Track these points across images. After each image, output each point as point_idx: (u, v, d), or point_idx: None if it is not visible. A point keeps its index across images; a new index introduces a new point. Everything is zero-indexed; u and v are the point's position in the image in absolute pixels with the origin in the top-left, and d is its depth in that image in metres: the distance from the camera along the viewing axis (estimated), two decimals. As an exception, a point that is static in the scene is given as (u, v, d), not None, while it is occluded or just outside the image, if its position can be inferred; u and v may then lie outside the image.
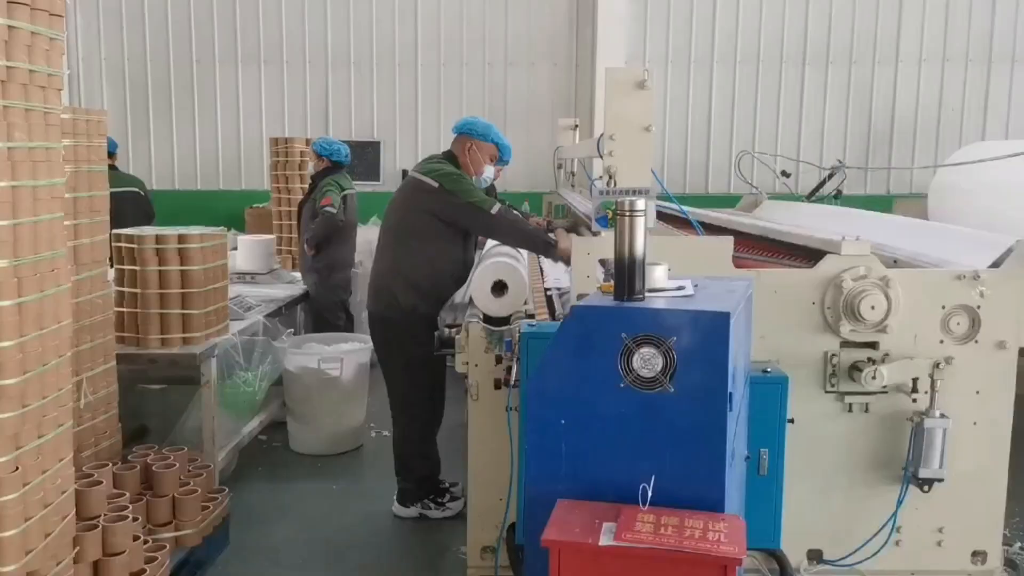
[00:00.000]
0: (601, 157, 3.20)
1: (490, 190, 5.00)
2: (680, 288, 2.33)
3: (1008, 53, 8.91)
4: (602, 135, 3.19)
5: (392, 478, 3.95)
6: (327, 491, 4.17)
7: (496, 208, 3.70)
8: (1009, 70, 8.92)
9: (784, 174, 6.94)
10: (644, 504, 2.03)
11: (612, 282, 2.29)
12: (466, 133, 3.92)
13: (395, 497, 3.93)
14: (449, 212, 3.70)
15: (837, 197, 6.46)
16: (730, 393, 2.07)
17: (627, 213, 2.20)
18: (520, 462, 2.98)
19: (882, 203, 7.64)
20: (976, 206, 5.77)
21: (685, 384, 2.06)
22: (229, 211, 8.57)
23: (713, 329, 2.05)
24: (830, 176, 6.58)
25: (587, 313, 2.18)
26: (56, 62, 2.48)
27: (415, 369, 3.77)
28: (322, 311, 5.57)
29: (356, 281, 5.90)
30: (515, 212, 4.07)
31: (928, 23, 8.90)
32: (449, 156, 3.93)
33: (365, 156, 8.93)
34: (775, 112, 9.03)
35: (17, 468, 2.20)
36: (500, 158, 3.97)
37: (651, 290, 2.27)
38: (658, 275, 2.33)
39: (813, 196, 6.56)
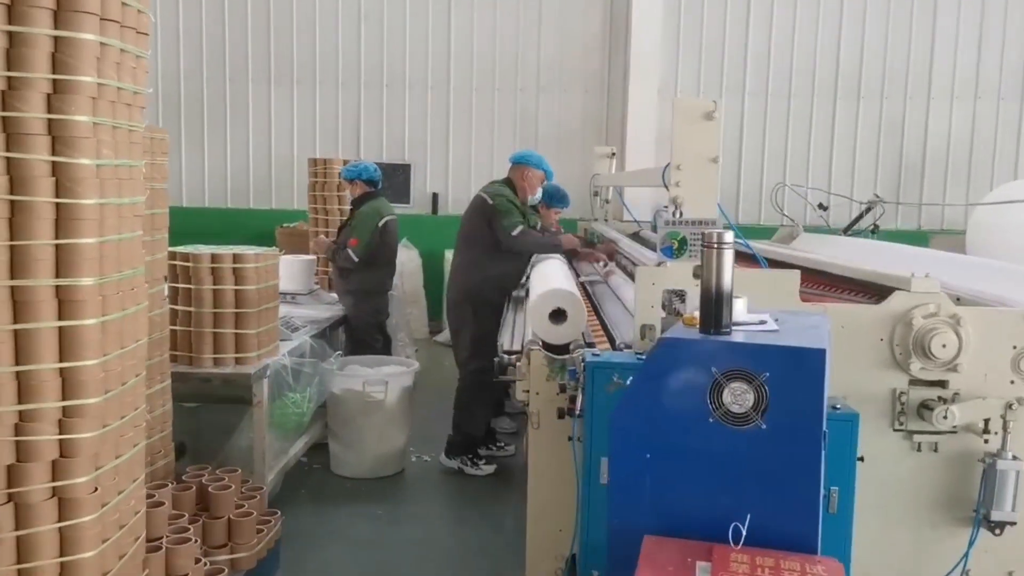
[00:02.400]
0: (667, 187, 3.19)
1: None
2: (762, 322, 2.31)
3: (1041, 91, 8.93)
4: (667, 165, 3.19)
5: (432, 503, 3.96)
6: (372, 515, 4.14)
7: (517, 230, 4.80)
8: (1042, 108, 8.93)
9: (821, 207, 6.92)
10: (736, 543, 1.99)
11: (695, 314, 2.28)
12: (523, 163, 5.10)
13: (444, 450, 4.82)
14: (492, 224, 4.83)
15: (874, 232, 6.44)
16: (824, 431, 2.04)
17: (715, 245, 2.19)
18: (583, 493, 2.95)
19: (914, 238, 7.62)
20: (1017, 244, 5.75)
21: (777, 421, 2.03)
22: (259, 230, 8.60)
23: (808, 366, 2.03)
24: (867, 210, 6.56)
25: (676, 346, 2.16)
26: (142, 80, 2.50)
27: (480, 338, 4.67)
28: (359, 333, 5.55)
29: (394, 303, 5.88)
30: (533, 232, 5.08)
31: (960, 59, 8.93)
32: (507, 182, 5.07)
33: (395, 178, 8.96)
34: (806, 144, 9.04)
35: (96, 489, 2.18)
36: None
37: (734, 324, 2.25)
38: (739, 308, 2.31)
39: (850, 230, 6.54)
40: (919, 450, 2.95)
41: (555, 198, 5.59)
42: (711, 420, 2.07)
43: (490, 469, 4.78)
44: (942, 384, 2.93)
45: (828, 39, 8.97)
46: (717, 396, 2.07)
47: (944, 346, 2.88)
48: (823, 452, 2.05)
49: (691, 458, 2.10)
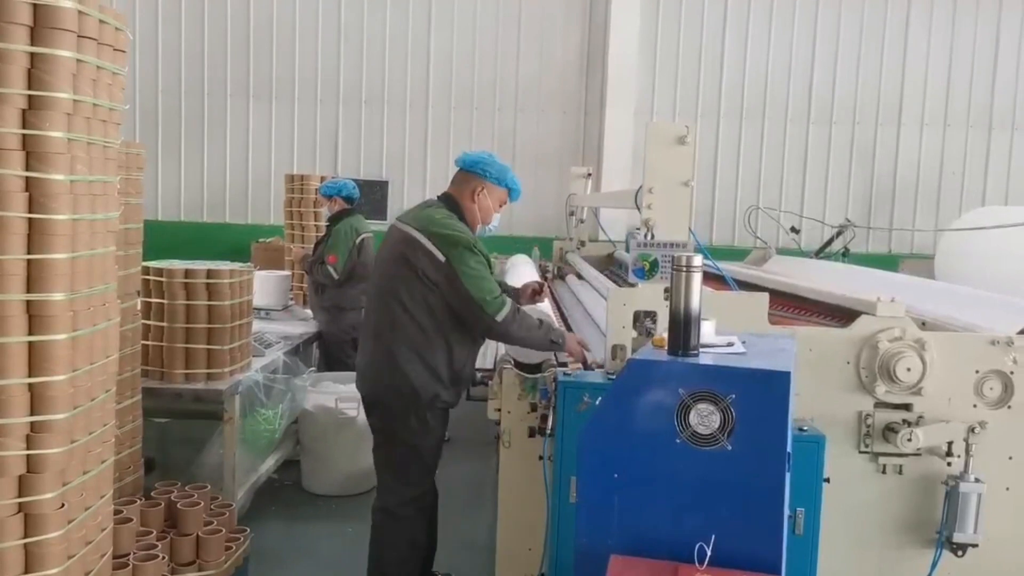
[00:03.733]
0: (639, 209, 3.24)
1: None
2: (729, 344, 2.35)
3: (1008, 120, 9.14)
4: (640, 188, 3.24)
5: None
6: (342, 532, 4.12)
7: (504, 314, 3.10)
8: (1009, 137, 9.14)
9: (793, 230, 7.03)
10: (701, 563, 2.02)
11: (663, 336, 2.31)
12: (479, 174, 3.29)
13: None
14: (451, 296, 3.10)
15: (845, 255, 6.54)
16: (789, 453, 2.07)
17: (684, 268, 2.22)
18: (553, 512, 2.97)
19: (884, 262, 7.74)
20: (984, 271, 5.86)
21: (743, 442, 2.06)
22: (235, 244, 8.57)
23: (773, 388, 2.07)
24: (838, 234, 6.67)
25: (644, 367, 2.19)
26: (118, 97, 2.51)
27: (423, 463, 3.25)
28: (333, 349, 5.55)
29: (368, 320, 5.88)
30: (526, 315, 3.25)
31: (930, 88, 9.12)
32: (449, 200, 3.31)
33: (373, 194, 8.97)
34: (780, 168, 9.18)
35: (63, 505, 2.16)
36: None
37: (702, 346, 2.28)
38: (707, 331, 2.35)
39: (821, 253, 6.64)
40: (884, 472, 3.00)
41: None
42: (678, 441, 2.10)
43: None
44: (907, 407, 2.98)
45: (801, 64, 9.12)
46: (684, 417, 2.10)
47: (909, 369, 2.94)
48: (787, 473, 2.08)
49: (658, 478, 2.12)
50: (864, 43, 9.07)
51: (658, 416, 2.11)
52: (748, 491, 2.06)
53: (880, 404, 2.99)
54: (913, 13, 9.06)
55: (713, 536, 2.03)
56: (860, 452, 3.01)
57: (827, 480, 2.83)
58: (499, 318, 3.10)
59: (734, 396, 2.06)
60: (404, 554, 3.25)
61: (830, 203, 9.08)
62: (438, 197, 3.40)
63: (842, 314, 3.36)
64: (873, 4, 9.06)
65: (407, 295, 3.13)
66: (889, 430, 2.96)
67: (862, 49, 9.07)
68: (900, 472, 2.99)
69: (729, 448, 2.06)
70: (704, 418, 2.10)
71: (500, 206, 3.39)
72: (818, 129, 9.18)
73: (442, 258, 3.10)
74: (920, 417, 2.94)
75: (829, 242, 6.80)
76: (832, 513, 2.86)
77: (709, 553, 2.01)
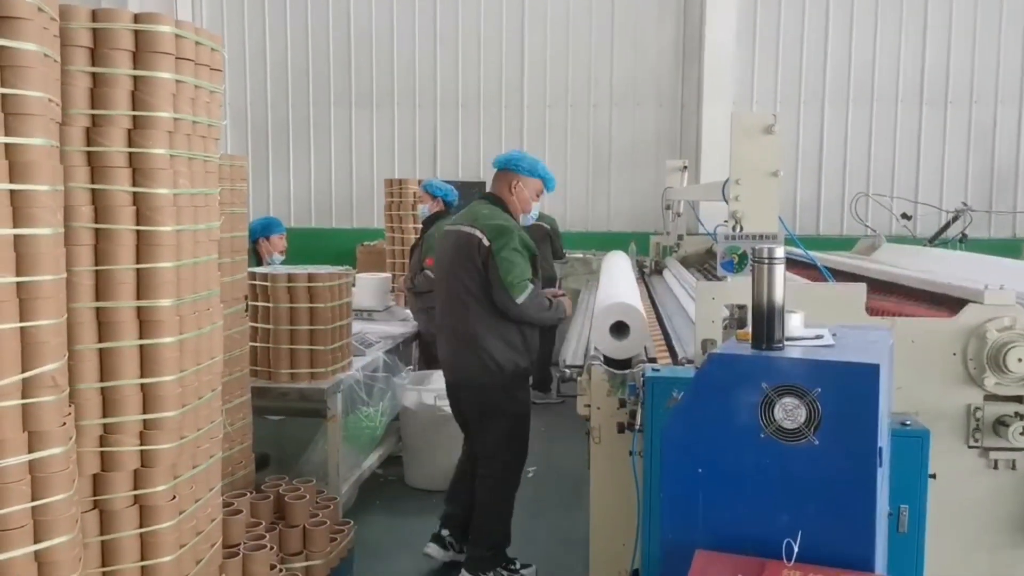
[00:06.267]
0: (726, 201, 3.19)
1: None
2: (818, 337, 2.29)
3: None
4: (727, 180, 3.19)
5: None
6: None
7: (524, 296, 3.54)
8: None
9: (904, 216, 6.72)
10: (789, 560, 1.98)
11: (747, 329, 2.27)
12: (511, 169, 3.72)
13: (464, 568, 3.72)
14: (490, 276, 3.56)
15: (963, 241, 6.21)
16: (880, 448, 2.01)
17: (766, 261, 2.18)
18: (644, 508, 2.96)
19: (1008, 247, 7.29)
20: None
21: (831, 437, 2.00)
22: (341, 248, 8.88)
23: (861, 382, 2.00)
24: (954, 219, 6.34)
25: (726, 361, 2.16)
26: (215, 113, 2.65)
27: (517, 428, 3.69)
28: (432, 348, 5.67)
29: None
30: (539, 294, 3.70)
31: (1057, 59, 8.54)
32: (492, 197, 3.75)
33: (471, 196, 9.10)
34: (891, 153, 8.78)
35: (174, 497, 2.32)
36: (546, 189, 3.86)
37: (789, 339, 2.23)
38: (795, 323, 2.29)
39: (936, 240, 6.32)
40: (996, 468, 2.86)
41: None
42: (763, 436, 2.06)
43: (531, 572, 3.81)
44: (1019, 399, 2.83)
45: (912, 44, 8.70)
46: (768, 412, 2.06)
47: (1020, 360, 2.78)
48: (879, 469, 2.01)
49: (743, 474, 2.09)
50: (980, 17, 8.57)
51: (741, 411, 2.07)
52: (837, 487, 2.00)
53: (990, 397, 2.85)
54: (1034, -18, 8.51)
55: (800, 532, 1.99)
56: (969, 447, 2.87)
57: (933, 476, 2.71)
58: (519, 300, 3.54)
59: (820, 390, 2.01)
60: (509, 508, 3.76)
61: (947, 188, 8.63)
62: (481, 196, 3.83)
63: (949, 304, 3.21)
64: (989, -24, 8.57)
65: (473, 284, 3.57)
66: (1000, 424, 2.82)
67: (977, 23, 8.57)
68: (1013, 467, 2.83)
69: (816, 443, 2.01)
70: (789, 412, 2.05)
71: (537, 196, 3.81)
72: (932, 111, 8.73)
73: (487, 243, 3.55)
74: (1034, 410, 2.78)
75: (944, 228, 6.47)
76: (940, 511, 2.74)
77: (796, 549, 1.98)
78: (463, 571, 3.73)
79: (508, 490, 3.75)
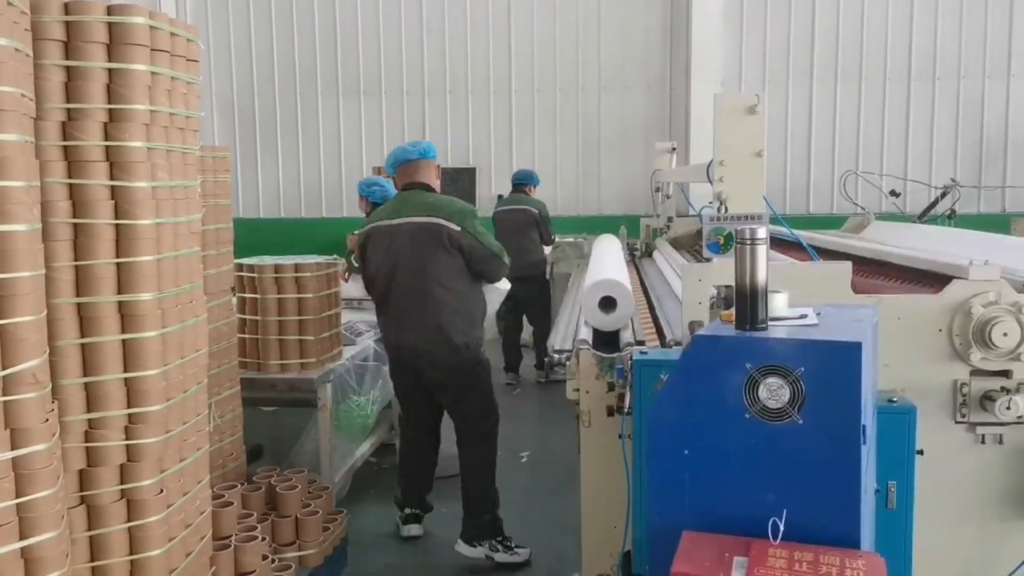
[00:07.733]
0: (711, 183, 3.18)
1: None
2: (803, 316, 2.29)
3: None
4: (711, 161, 3.18)
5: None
6: (436, 514, 4.23)
7: (507, 257, 3.93)
8: None
9: (893, 193, 6.72)
10: (775, 539, 1.99)
11: (731, 311, 2.28)
12: (432, 157, 4.04)
13: (460, 535, 3.89)
14: (473, 255, 3.81)
15: (951, 217, 6.21)
16: (863, 425, 2.01)
17: (748, 241, 2.18)
18: (634, 490, 2.97)
19: (998, 222, 7.31)
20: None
21: (815, 416, 2.01)
22: (331, 238, 8.85)
23: (843, 360, 2.00)
24: (943, 195, 6.34)
25: (710, 343, 2.16)
26: (193, 105, 2.63)
27: (490, 389, 4.03)
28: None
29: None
30: None
31: (1043, 32, 8.53)
32: (425, 187, 3.97)
33: (461, 182, 9.10)
34: (880, 129, 8.78)
35: (161, 490, 2.31)
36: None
37: (772, 319, 2.24)
38: (779, 303, 2.30)
39: (925, 216, 6.33)
40: (983, 442, 2.87)
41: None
42: (748, 416, 2.06)
43: (525, 553, 3.87)
44: (1005, 374, 2.84)
45: (899, 19, 8.69)
46: (752, 392, 2.06)
47: (1005, 335, 2.79)
48: (864, 446, 2.02)
49: (729, 454, 2.09)
50: (966, -9, 8.57)
51: (726, 391, 2.07)
52: (821, 465, 2.00)
53: (976, 372, 2.85)
54: (1021, -45, 8.49)
55: (785, 511, 2.00)
56: (956, 423, 2.88)
57: (920, 452, 2.72)
58: (506, 260, 3.90)
59: (803, 369, 2.01)
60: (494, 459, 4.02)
61: (936, 164, 8.64)
62: (409, 188, 3.97)
63: (934, 280, 3.22)
64: (975, -51, 8.55)
65: (437, 269, 3.79)
66: (987, 399, 2.83)
67: (964, -1, 8.57)
68: (1000, 442, 2.85)
69: (800, 422, 2.02)
70: (773, 392, 2.05)
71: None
72: (920, 86, 8.73)
73: (457, 228, 3.78)
74: (1020, 384, 2.79)
75: (933, 204, 6.46)
76: (929, 487, 2.75)
77: (782, 528, 1.98)
78: (460, 542, 3.87)
79: (495, 446, 4.02)
